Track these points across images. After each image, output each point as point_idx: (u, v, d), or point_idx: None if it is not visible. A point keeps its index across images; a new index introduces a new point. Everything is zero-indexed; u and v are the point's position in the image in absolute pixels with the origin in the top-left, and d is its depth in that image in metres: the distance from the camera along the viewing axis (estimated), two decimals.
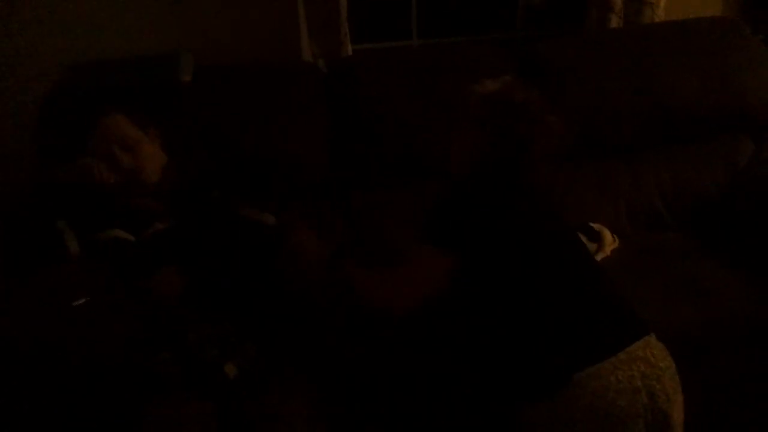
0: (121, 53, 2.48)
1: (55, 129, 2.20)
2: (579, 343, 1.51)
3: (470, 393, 1.76)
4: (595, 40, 2.58)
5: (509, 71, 2.40)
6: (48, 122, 2.24)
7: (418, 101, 2.36)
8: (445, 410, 1.80)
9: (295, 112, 2.34)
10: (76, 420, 1.50)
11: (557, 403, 1.47)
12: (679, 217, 2.45)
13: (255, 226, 1.99)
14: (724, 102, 2.51)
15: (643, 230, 2.42)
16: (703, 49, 2.55)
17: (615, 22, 2.62)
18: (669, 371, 1.54)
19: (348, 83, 2.41)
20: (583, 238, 2.25)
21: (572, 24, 2.75)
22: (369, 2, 2.74)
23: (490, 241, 1.60)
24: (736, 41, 2.61)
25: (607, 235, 2.30)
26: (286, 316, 1.82)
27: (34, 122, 2.24)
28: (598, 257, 2.25)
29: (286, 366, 1.74)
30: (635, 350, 1.51)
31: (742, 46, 2.60)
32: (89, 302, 1.69)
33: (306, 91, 2.38)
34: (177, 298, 1.79)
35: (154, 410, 1.49)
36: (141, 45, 2.50)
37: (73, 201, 1.96)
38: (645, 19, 2.64)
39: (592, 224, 2.31)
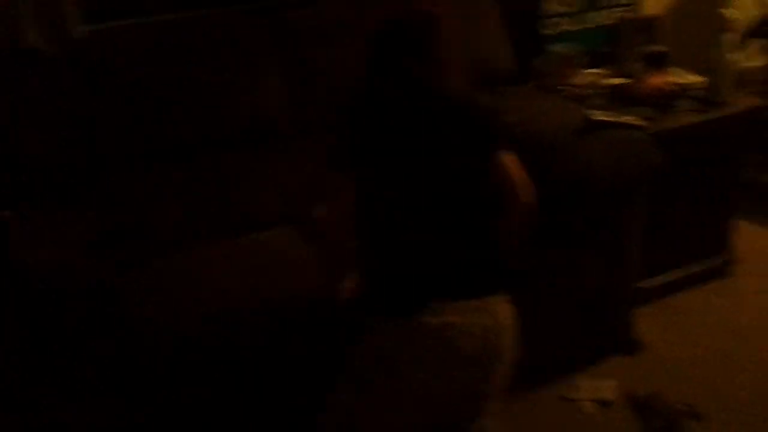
0: None
1: None
2: (446, 279, 1.66)
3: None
4: (342, 5, 2.60)
5: (260, 41, 2.41)
6: None
7: (163, 80, 2.27)
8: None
9: (23, 103, 2.15)
10: None
11: (414, 321, 1.60)
12: None
13: None
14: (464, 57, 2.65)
15: None
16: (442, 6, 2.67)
17: None
18: (509, 330, 1.69)
19: (84, 67, 2.25)
20: None
21: None
22: None
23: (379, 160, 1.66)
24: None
25: None
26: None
27: None
28: None
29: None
30: (486, 304, 1.66)
31: (475, 3, 2.78)
32: None
33: (34, 78, 2.19)
34: None
35: None
36: None
37: None
38: None
39: None
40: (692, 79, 2.87)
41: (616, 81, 2.88)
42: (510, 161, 1.77)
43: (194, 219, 2.16)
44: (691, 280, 2.89)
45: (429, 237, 1.67)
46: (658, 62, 2.85)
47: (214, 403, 1.88)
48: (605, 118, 2.46)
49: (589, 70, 2.94)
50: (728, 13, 2.66)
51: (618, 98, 2.76)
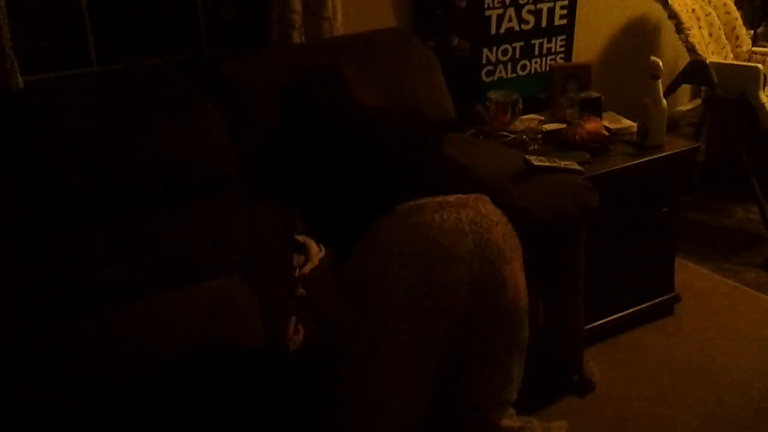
0: None
1: None
2: (400, 181, 1.57)
3: None
4: (278, 57, 2.63)
5: (194, 92, 2.41)
6: None
7: (101, 131, 2.24)
8: None
9: None
10: None
11: (378, 232, 1.48)
12: None
13: None
14: (404, 106, 2.64)
15: None
16: (381, 58, 2.71)
17: (297, 37, 2.69)
18: (502, 225, 1.58)
19: (21, 118, 2.21)
20: None
21: (257, 42, 2.79)
22: (37, 29, 2.55)
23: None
24: (410, 49, 2.83)
25: (313, 245, 2.35)
26: None
27: None
28: (307, 268, 2.30)
29: None
30: (466, 199, 1.54)
31: (415, 54, 2.82)
32: None
33: None
34: None
35: None
36: None
37: None
38: (324, 33, 2.73)
39: (297, 237, 2.35)
40: (626, 123, 2.95)
41: (553, 126, 2.95)
42: None
43: (139, 270, 2.12)
44: (638, 320, 2.93)
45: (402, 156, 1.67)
46: (593, 108, 2.93)
47: None
48: (543, 164, 2.50)
49: (527, 116, 3.01)
50: (658, 59, 2.76)
51: (555, 143, 2.83)
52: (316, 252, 2.35)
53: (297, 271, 2.25)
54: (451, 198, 1.53)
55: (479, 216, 1.53)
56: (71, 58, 2.53)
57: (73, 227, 2.19)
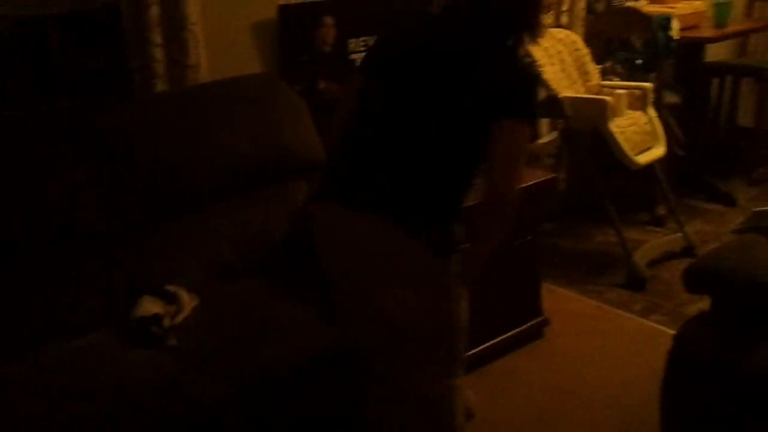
0: None
1: None
2: (354, 176, 1.85)
3: None
4: (148, 106, 2.61)
5: (63, 147, 2.34)
6: None
7: None
8: None
9: None
10: None
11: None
12: (252, 264, 2.58)
13: None
14: (274, 151, 2.71)
15: (219, 282, 2.50)
16: (248, 104, 2.72)
17: (161, 86, 2.67)
18: (384, 252, 1.77)
19: None
20: (160, 303, 2.26)
21: (120, 91, 2.74)
22: None
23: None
24: (277, 94, 2.85)
25: (184, 294, 2.32)
26: None
27: None
28: (179, 318, 2.26)
29: None
30: (364, 218, 1.77)
31: (282, 99, 2.85)
32: None
33: None
34: None
35: None
36: None
37: None
38: (189, 81, 2.72)
39: (167, 287, 2.31)
40: None
41: None
42: (512, 137, 1.69)
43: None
44: (510, 345, 3.03)
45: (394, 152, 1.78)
46: None
47: None
48: None
49: None
50: None
51: None
52: (188, 301, 2.33)
53: (169, 320, 2.22)
54: (351, 212, 1.77)
55: (364, 237, 1.75)
56: None
57: None
